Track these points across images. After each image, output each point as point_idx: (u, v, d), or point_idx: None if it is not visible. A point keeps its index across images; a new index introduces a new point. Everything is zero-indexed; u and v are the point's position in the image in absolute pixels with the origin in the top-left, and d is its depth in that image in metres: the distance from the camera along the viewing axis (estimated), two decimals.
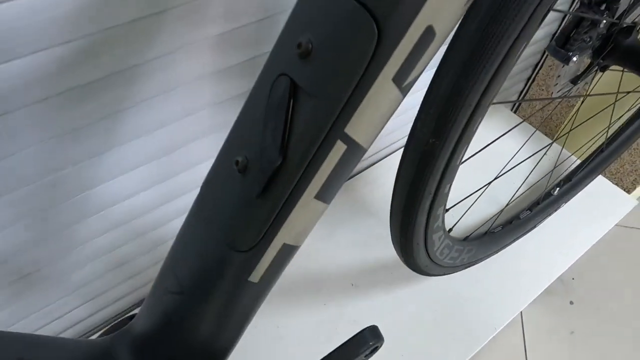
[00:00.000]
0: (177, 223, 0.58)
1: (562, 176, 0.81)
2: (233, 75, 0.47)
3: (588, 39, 0.48)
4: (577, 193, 0.80)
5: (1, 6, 0.28)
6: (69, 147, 0.40)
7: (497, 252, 0.73)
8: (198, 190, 0.30)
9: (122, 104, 0.40)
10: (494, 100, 0.39)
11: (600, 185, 0.84)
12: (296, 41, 0.23)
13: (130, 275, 0.61)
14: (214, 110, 0.49)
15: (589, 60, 0.56)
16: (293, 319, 0.66)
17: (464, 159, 0.45)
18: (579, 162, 0.86)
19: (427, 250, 0.53)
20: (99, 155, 0.43)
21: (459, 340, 0.65)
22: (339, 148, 0.25)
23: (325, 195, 0.27)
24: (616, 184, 0.86)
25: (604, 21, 0.47)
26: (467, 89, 0.35)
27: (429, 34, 0.23)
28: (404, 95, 0.26)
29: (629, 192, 1.04)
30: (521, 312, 0.78)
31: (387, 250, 0.68)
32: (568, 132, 0.77)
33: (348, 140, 0.25)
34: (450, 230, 0.63)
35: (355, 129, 0.25)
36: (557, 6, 0.50)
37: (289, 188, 0.25)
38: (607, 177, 0.89)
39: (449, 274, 0.68)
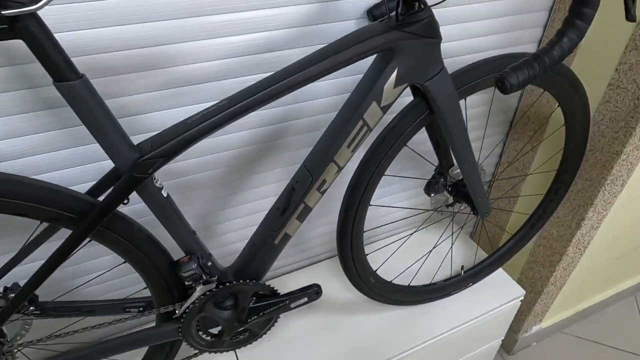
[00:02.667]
0: None
1: (473, 264, 1.17)
2: None
3: (442, 189, 0.90)
4: (482, 278, 1.16)
5: None
6: None
7: (414, 303, 1.08)
8: None
9: None
10: None
11: (499, 274, 1.20)
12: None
13: None
14: None
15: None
16: None
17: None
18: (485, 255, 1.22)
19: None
20: None
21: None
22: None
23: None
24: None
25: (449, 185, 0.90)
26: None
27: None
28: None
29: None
30: None
31: None
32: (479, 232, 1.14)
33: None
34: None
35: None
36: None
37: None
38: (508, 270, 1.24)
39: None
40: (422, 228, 1.32)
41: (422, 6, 0.63)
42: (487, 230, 1.46)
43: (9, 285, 0.69)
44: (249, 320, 0.79)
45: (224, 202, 0.96)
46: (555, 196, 1.10)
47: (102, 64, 0.67)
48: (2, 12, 0.43)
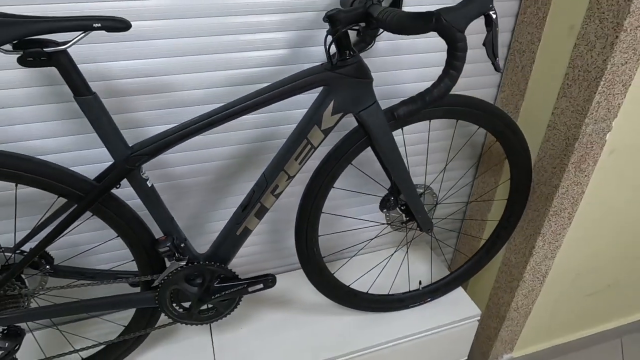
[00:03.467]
0: None
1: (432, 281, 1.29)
2: None
3: (394, 206, 1.05)
4: (440, 295, 1.27)
5: None
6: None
7: (372, 310, 1.21)
8: None
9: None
10: None
11: (458, 294, 1.30)
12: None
13: None
14: None
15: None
16: None
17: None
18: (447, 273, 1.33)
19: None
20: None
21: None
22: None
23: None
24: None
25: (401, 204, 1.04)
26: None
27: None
28: None
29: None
30: None
31: None
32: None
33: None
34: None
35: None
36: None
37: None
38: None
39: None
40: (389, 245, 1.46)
41: (352, 53, 0.82)
42: (458, 251, 1.56)
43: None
44: (212, 298, 0.97)
45: (213, 205, 1.17)
46: (508, 224, 1.21)
47: (117, 88, 0.91)
48: (44, 49, 0.67)
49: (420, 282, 1.27)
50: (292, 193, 1.22)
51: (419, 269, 1.39)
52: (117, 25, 0.68)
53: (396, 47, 1.08)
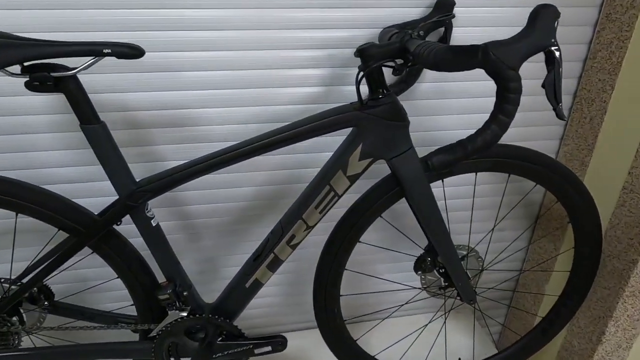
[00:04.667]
0: None
1: None
2: None
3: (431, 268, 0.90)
4: None
5: None
6: None
7: None
8: None
9: None
10: None
11: None
12: None
13: None
14: None
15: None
16: None
17: None
18: None
19: None
20: None
21: None
22: None
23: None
24: None
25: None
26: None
27: None
28: None
29: None
30: None
31: None
32: None
33: None
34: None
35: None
36: None
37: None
38: None
39: None
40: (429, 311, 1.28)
41: (386, 92, 0.72)
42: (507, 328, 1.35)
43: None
44: (214, 356, 0.86)
45: (228, 249, 1.08)
46: (571, 301, 1.01)
47: (139, 119, 0.87)
48: (51, 74, 0.63)
49: None
50: (315, 243, 1.11)
51: (460, 343, 1.20)
52: (129, 52, 0.64)
53: (441, 90, 0.97)
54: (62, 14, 0.77)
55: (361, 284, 1.20)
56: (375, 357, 1.02)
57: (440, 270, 0.95)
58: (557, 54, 0.57)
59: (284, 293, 1.19)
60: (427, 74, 0.95)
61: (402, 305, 1.25)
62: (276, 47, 0.86)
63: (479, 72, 0.94)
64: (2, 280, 0.82)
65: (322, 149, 0.99)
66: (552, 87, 0.58)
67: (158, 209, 0.98)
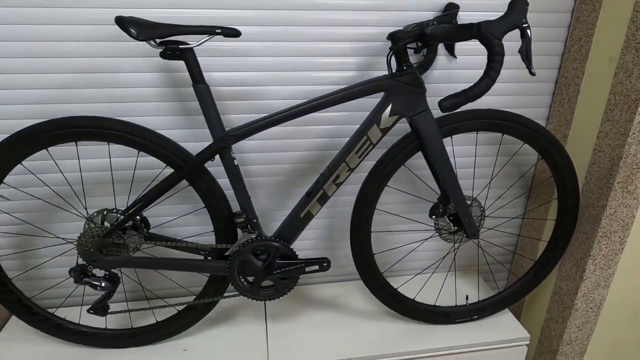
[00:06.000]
0: None
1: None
2: None
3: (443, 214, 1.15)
4: (486, 314, 1.29)
5: None
6: None
7: (416, 318, 1.26)
8: None
9: None
10: None
11: (507, 317, 1.31)
12: None
13: None
14: None
15: None
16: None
17: None
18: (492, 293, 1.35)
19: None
20: None
21: None
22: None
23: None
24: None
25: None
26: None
27: None
28: None
29: None
30: None
31: None
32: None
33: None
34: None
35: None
36: None
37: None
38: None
39: None
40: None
41: (409, 65, 1.00)
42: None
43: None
44: (274, 273, 1.10)
45: (276, 204, 1.34)
46: (557, 246, 1.24)
47: (216, 93, 1.15)
48: (180, 46, 0.92)
49: (467, 297, 1.31)
50: (345, 202, 1.36)
51: (468, 286, 1.42)
52: (232, 32, 0.93)
53: (448, 76, 1.24)
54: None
55: (386, 243, 1.45)
56: (397, 289, 1.25)
57: (450, 218, 1.20)
58: (528, 31, 0.84)
59: (319, 247, 1.43)
60: (438, 63, 1.22)
61: (421, 242, 1.48)
62: (323, 40, 1.15)
63: (476, 62, 1.22)
64: (115, 209, 1.09)
65: (355, 121, 1.26)
66: (525, 52, 0.84)
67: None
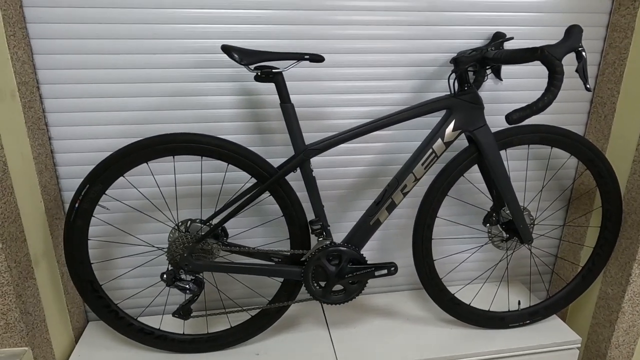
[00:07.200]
0: None
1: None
2: None
3: (495, 223, 1.25)
4: (537, 319, 1.37)
5: None
6: None
7: (471, 322, 1.33)
8: None
9: None
10: None
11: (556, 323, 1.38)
12: None
13: None
14: None
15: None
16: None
17: None
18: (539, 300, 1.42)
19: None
20: None
21: None
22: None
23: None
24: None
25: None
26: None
27: None
28: None
29: None
30: None
31: None
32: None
33: None
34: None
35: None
36: None
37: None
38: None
39: None
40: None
41: (470, 85, 1.12)
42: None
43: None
44: (345, 277, 1.18)
45: (349, 205, 1.43)
46: (602, 251, 1.33)
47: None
48: (272, 70, 1.04)
49: (519, 302, 1.38)
50: (396, 215, 1.46)
51: (512, 294, 1.50)
52: (318, 58, 1.05)
53: (493, 97, 1.37)
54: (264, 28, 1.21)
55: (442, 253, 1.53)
56: (454, 294, 1.33)
57: (502, 226, 1.30)
58: (583, 53, 0.96)
59: (370, 258, 1.51)
60: (485, 85, 1.35)
61: (476, 249, 1.56)
62: (383, 65, 1.28)
63: (520, 84, 1.34)
64: (199, 220, 1.18)
65: (409, 139, 1.37)
66: (581, 71, 0.97)
67: (299, 182, 1.35)
